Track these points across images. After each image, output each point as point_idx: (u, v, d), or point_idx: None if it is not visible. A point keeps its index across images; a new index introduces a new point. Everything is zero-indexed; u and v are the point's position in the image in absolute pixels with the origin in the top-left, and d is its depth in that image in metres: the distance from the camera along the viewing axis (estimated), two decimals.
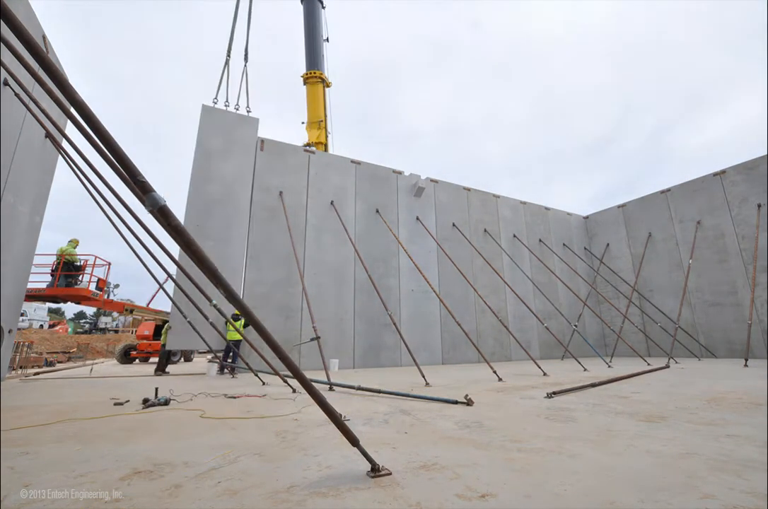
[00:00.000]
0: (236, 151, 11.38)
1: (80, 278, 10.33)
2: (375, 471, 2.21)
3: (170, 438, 3.14)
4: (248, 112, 12.85)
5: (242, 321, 9.39)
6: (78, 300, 10.22)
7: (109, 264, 10.56)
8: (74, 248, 10.14)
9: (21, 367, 11.05)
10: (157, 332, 16.87)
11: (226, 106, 12.09)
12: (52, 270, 10.02)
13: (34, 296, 9.95)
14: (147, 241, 8.37)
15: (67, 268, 9.98)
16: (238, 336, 9.33)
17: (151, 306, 18.54)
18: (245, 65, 14.30)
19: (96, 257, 10.50)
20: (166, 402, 4.67)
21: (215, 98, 12.12)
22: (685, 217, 14.86)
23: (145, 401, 4.65)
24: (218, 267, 2.15)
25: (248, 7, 14.56)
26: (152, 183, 1.96)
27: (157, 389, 4.95)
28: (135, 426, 3.59)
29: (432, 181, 14.74)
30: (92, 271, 10.46)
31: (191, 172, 10.71)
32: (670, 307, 14.67)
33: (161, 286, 10.69)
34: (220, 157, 11.09)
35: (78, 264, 10.26)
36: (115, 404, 4.73)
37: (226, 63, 13.01)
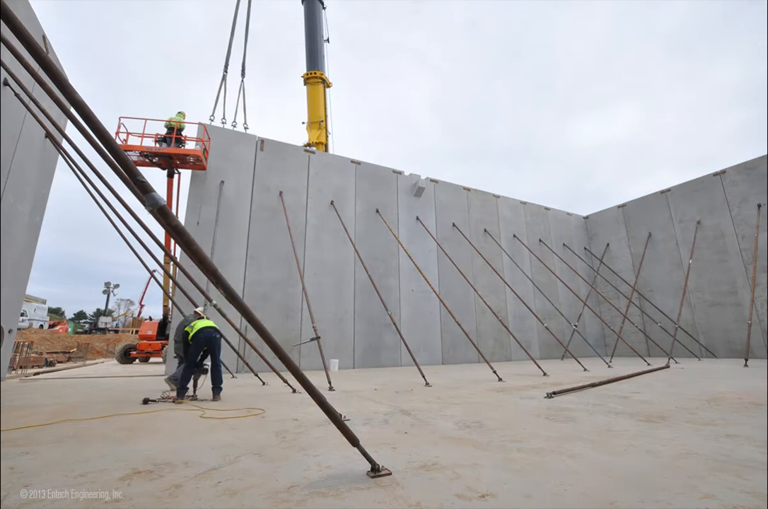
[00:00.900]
0: (234, 170, 11.27)
1: (184, 139, 11.18)
2: (375, 471, 2.21)
3: (170, 438, 3.14)
4: (246, 129, 12.86)
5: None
6: (189, 160, 10.75)
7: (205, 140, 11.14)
8: (183, 118, 11.08)
9: (21, 367, 11.05)
10: (161, 332, 16.81)
11: (222, 123, 12.10)
12: (164, 139, 10.78)
13: (155, 153, 10.53)
14: (147, 241, 8.37)
15: (173, 132, 10.79)
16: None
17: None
18: (242, 80, 14.31)
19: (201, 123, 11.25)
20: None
21: (212, 115, 12.13)
22: (685, 217, 14.86)
23: (145, 402, 4.59)
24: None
25: (245, 22, 14.60)
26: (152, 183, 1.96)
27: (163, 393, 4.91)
28: (135, 426, 3.59)
29: (432, 181, 14.74)
30: (204, 143, 11.04)
31: (188, 192, 10.64)
32: (670, 307, 14.66)
33: (161, 286, 10.71)
34: (218, 176, 10.96)
35: (183, 132, 11.02)
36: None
37: (223, 78, 13.01)
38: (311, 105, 18.13)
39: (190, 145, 10.79)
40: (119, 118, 10.25)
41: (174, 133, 10.60)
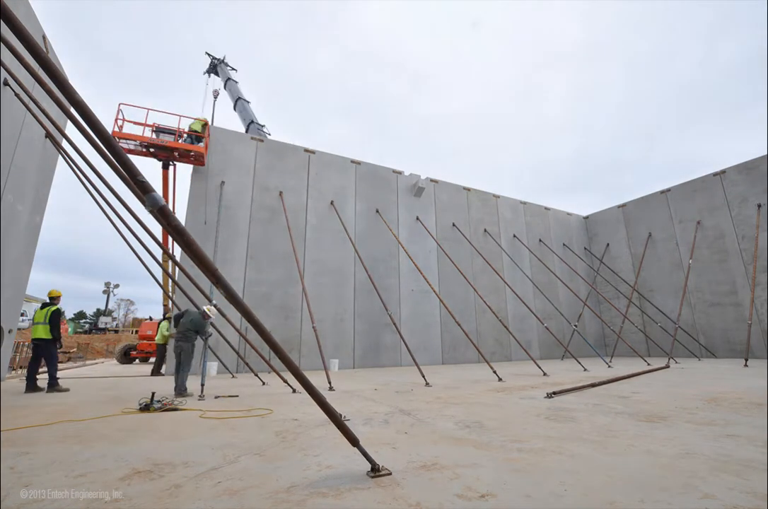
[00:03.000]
0: (234, 170, 11.28)
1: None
2: (375, 471, 2.21)
3: (170, 438, 3.14)
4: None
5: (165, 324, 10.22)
6: (190, 155, 10.96)
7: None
8: (202, 125, 11.34)
9: (21, 367, 11.05)
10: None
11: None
12: (161, 130, 11.04)
13: (157, 145, 10.66)
14: (147, 241, 8.37)
15: (191, 138, 11.14)
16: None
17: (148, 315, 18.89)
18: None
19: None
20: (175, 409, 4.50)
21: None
22: (685, 217, 14.86)
23: (146, 406, 4.50)
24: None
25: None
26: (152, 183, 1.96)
27: (153, 393, 4.88)
28: (135, 426, 3.59)
29: (432, 181, 14.74)
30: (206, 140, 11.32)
31: (189, 192, 10.66)
32: (670, 307, 14.66)
33: (161, 286, 10.71)
34: (218, 176, 10.97)
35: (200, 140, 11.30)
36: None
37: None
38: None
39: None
40: (119, 105, 10.23)
41: (193, 134, 10.89)
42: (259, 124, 16.30)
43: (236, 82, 20.46)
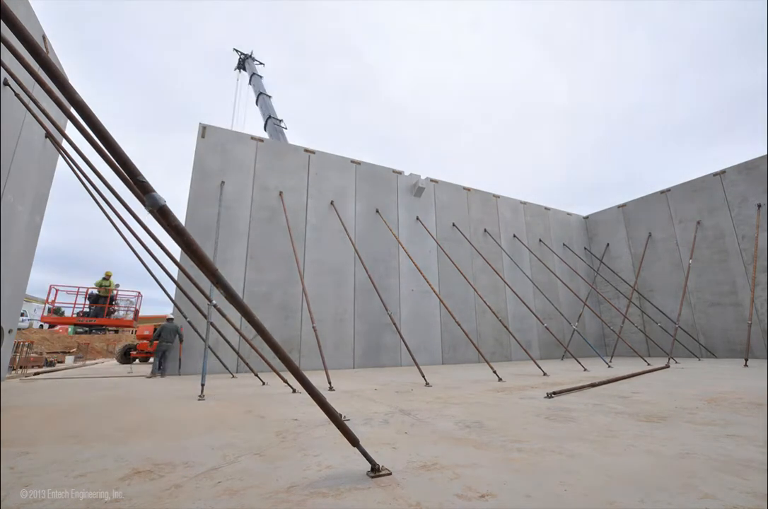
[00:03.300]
0: (234, 170, 11.28)
1: (115, 307, 13.00)
2: (375, 471, 2.21)
3: (170, 438, 3.14)
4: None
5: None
6: (121, 327, 12.81)
7: (139, 293, 12.59)
8: (109, 278, 12.70)
9: (21, 367, 11.05)
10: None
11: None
12: (91, 301, 12.38)
13: (85, 324, 12.42)
14: (147, 241, 8.38)
15: (105, 300, 12.39)
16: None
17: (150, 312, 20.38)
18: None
19: (139, 293, 13.52)
20: None
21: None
22: (685, 217, 14.86)
23: None
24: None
25: None
26: (152, 182, 1.96)
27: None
28: (135, 426, 3.59)
29: (432, 181, 14.74)
30: (138, 304, 13.56)
31: (189, 192, 10.65)
32: (670, 307, 14.66)
33: (162, 287, 10.71)
34: (217, 177, 10.96)
35: (111, 295, 12.84)
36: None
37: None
38: None
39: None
40: (50, 286, 12.38)
41: (107, 299, 12.55)
42: (277, 119, 16.44)
43: (261, 77, 20.64)
